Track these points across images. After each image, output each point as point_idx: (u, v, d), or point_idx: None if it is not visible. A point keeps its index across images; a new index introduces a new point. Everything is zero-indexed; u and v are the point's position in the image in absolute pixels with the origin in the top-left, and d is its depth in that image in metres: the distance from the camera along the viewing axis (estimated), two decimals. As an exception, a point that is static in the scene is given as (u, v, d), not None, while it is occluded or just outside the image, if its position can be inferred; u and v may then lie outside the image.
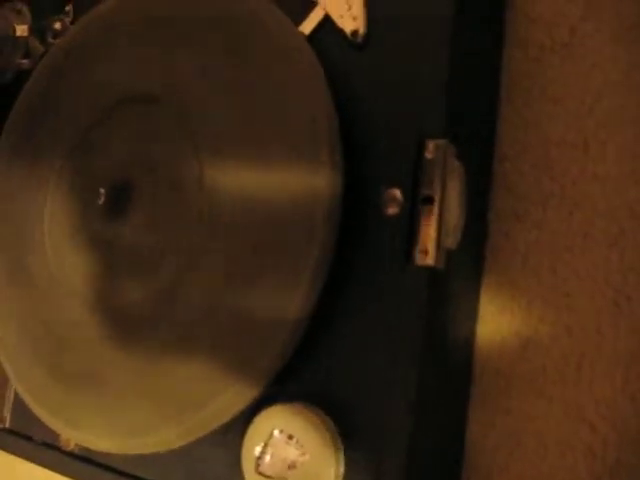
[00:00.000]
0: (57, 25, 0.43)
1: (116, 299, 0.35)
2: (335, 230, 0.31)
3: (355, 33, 0.34)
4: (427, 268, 0.30)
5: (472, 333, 0.34)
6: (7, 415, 0.41)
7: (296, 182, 0.31)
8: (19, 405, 0.40)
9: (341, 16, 0.34)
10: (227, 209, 0.33)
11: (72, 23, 0.43)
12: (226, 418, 0.32)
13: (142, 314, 0.34)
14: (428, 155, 0.30)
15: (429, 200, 0.30)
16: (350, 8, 0.34)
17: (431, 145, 0.30)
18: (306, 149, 0.31)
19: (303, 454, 0.30)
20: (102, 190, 0.34)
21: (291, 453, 0.30)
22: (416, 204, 0.30)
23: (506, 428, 0.34)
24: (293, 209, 0.31)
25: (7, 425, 0.41)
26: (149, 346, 0.34)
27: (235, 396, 0.31)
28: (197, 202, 0.33)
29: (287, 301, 0.30)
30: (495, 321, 0.35)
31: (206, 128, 0.34)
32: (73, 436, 0.36)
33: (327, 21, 0.35)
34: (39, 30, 0.44)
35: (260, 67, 0.33)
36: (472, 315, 0.34)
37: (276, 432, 0.31)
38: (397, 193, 0.31)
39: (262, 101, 0.33)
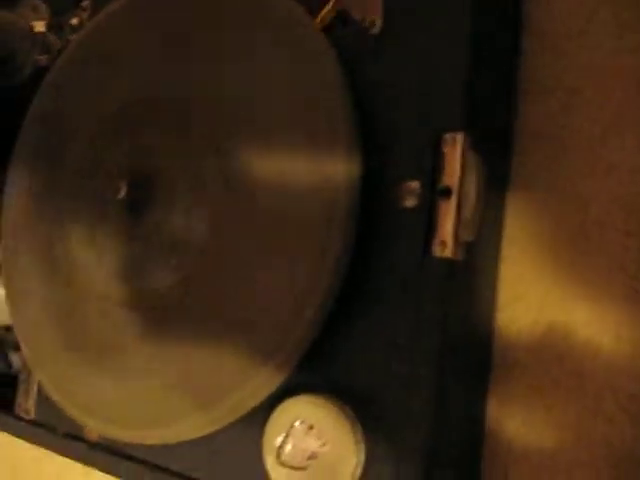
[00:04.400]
0: (74, 20, 0.43)
1: (140, 286, 0.35)
2: (354, 222, 0.31)
3: (372, 24, 0.34)
4: (445, 260, 0.30)
5: (491, 322, 0.34)
6: (31, 407, 0.41)
7: (315, 174, 0.31)
8: (43, 397, 0.40)
9: (357, 7, 0.34)
10: (247, 199, 0.33)
11: (90, 18, 0.43)
12: (253, 404, 0.32)
13: (166, 301, 0.35)
14: (445, 147, 0.31)
15: (447, 192, 0.30)
16: None
17: (448, 137, 0.30)
18: (324, 141, 0.31)
19: (324, 444, 0.31)
20: (122, 184, 0.35)
21: (312, 444, 0.31)
22: (434, 196, 0.30)
23: (524, 419, 0.34)
24: (312, 200, 0.31)
25: (32, 416, 0.41)
26: (173, 334, 0.34)
27: (262, 381, 0.31)
28: (218, 193, 0.34)
29: (311, 285, 0.31)
30: (513, 310, 0.35)
31: (224, 120, 0.34)
32: (96, 426, 0.37)
33: (344, 12, 0.35)
34: (57, 26, 0.44)
35: (278, 59, 0.34)
36: (491, 304, 0.34)
37: (297, 423, 0.31)
38: (415, 185, 0.31)
39: (279, 92, 0.33)
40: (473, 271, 0.32)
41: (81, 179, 0.38)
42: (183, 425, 0.33)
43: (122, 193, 0.35)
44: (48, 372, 0.38)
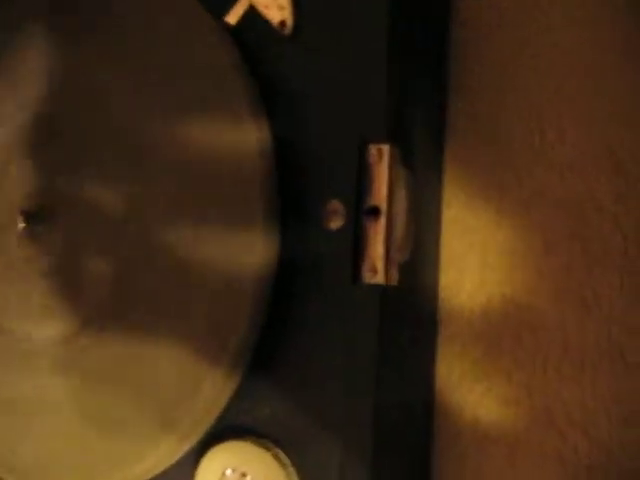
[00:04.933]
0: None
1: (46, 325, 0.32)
2: (275, 247, 0.28)
3: (283, 24, 0.30)
4: (377, 286, 0.27)
5: (433, 343, 0.32)
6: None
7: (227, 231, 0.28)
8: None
9: (267, 6, 0.31)
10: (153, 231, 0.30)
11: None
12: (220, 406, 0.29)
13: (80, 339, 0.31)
14: (370, 161, 0.28)
15: (375, 211, 0.28)
16: (277, -3, 0.31)
17: (373, 150, 0.28)
18: (236, 160, 0.28)
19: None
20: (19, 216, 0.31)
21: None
22: (360, 216, 0.28)
23: (474, 436, 0.32)
24: (226, 264, 0.28)
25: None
26: (101, 361, 0.31)
27: (216, 386, 0.28)
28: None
29: (233, 319, 0.28)
30: (457, 325, 0.33)
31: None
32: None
33: (254, 12, 0.32)
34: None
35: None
36: (433, 324, 0.32)
37: (228, 472, 0.29)
38: (339, 205, 0.28)
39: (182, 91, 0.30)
40: (410, 291, 0.30)
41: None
42: (158, 450, 0.29)
43: (20, 224, 0.31)
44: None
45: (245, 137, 0.28)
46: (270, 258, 0.28)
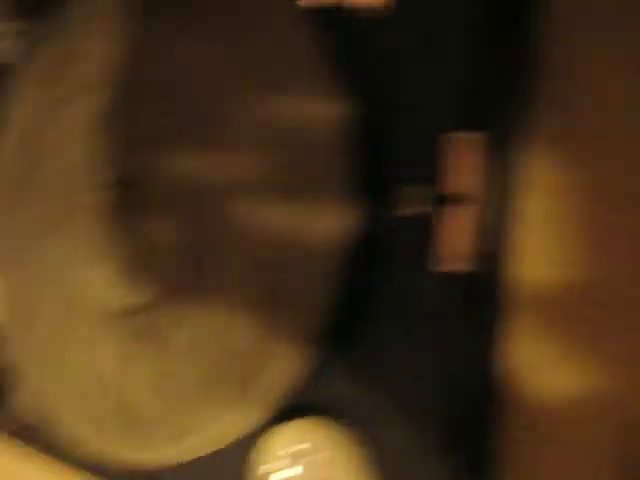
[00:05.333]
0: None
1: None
2: (353, 225, 0.28)
3: (375, 6, 0.30)
4: (455, 273, 0.27)
5: (506, 329, 0.31)
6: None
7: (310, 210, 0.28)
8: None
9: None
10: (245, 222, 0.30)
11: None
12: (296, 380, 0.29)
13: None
14: (455, 148, 0.27)
15: (457, 199, 0.27)
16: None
17: (458, 137, 0.27)
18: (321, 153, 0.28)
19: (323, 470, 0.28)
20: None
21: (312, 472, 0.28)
22: (442, 203, 0.27)
23: (545, 421, 0.31)
24: (308, 236, 0.28)
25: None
26: (177, 330, 0.31)
27: (294, 360, 0.29)
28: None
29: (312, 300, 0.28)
30: (531, 312, 0.31)
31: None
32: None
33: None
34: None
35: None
36: (500, 319, 0.31)
37: (299, 447, 0.28)
38: (422, 190, 0.28)
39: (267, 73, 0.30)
40: (487, 277, 0.29)
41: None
42: (240, 416, 0.29)
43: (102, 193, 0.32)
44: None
45: (328, 112, 0.28)
46: (349, 234, 0.28)
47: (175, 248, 0.31)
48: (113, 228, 0.33)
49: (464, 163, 0.27)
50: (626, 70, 0.31)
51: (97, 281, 0.34)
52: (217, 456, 0.30)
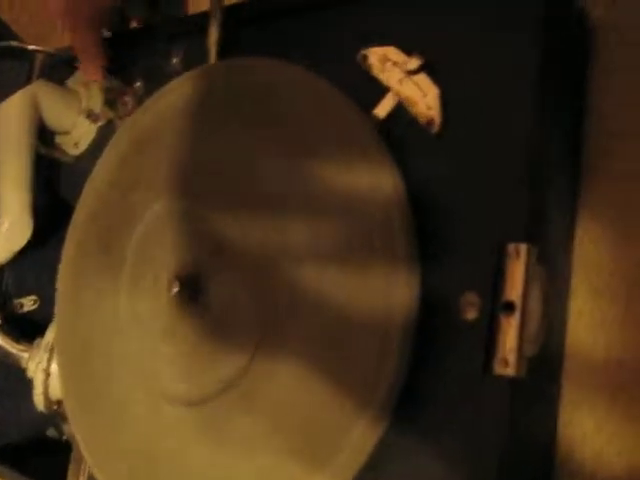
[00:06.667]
0: (127, 99, 0.43)
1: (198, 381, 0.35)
2: (411, 338, 0.30)
3: (431, 122, 0.33)
4: (507, 378, 0.29)
5: (553, 435, 0.33)
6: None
7: (371, 287, 0.31)
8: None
9: (415, 103, 0.33)
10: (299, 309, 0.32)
11: (140, 100, 0.43)
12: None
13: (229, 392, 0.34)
14: (509, 259, 0.29)
15: (510, 307, 0.29)
16: (425, 95, 0.33)
17: (512, 248, 0.29)
18: (381, 252, 0.31)
19: None
20: (174, 280, 0.34)
21: None
22: (496, 310, 0.29)
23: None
24: (369, 315, 0.30)
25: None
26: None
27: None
28: (272, 291, 0.33)
29: (364, 400, 0.30)
30: (578, 418, 0.33)
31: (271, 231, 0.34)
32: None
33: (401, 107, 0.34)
34: (109, 102, 0.44)
35: (333, 166, 0.33)
36: (553, 417, 0.33)
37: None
38: (475, 298, 0.30)
39: (333, 196, 0.33)
40: (535, 383, 0.31)
41: (132, 271, 0.38)
42: None
43: (174, 289, 0.34)
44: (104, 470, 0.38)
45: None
46: (413, 307, 0.30)
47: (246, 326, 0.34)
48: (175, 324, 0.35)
49: (517, 273, 0.29)
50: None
51: (162, 372, 0.36)
52: None
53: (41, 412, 0.44)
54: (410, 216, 0.31)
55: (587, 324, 0.34)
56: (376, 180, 0.31)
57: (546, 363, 0.31)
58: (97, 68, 0.44)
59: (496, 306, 0.29)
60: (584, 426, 0.33)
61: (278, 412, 0.32)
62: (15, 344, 0.45)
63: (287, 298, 0.33)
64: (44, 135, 0.46)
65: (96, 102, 0.44)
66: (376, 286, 0.31)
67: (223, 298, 0.35)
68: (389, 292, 0.30)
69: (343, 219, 0.32)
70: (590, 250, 0.35)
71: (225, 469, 0.33)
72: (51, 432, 0.48)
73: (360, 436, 0.30)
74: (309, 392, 0.31)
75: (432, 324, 0.30)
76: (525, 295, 0.29)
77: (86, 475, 0.41)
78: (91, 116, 0.43)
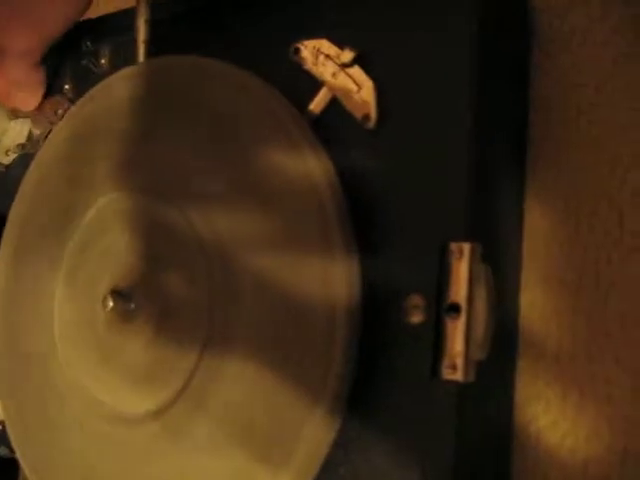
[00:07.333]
0: (57, 106, 0.41)
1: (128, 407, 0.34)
2: (356, 329, 0.29)
3: (366, 117, 0.31)
4: (455, 382, 0.28)
5: (508, 434, 0.32)
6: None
7: (310, 277, 0.29)
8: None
9: (350, 99, 0.32)
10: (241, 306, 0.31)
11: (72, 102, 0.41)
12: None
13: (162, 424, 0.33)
14: (452, 259, 0.28)
15: (455, 308, 0.28)
16: (360, 89, 0.32)
17: (454, 247, 0.28)
18: (317, 239, 0.29)
19: None
20: (108, 295, 0.33)
21: None
22: (441, 313, 0.28)
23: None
24: (311, 306, 0.29)
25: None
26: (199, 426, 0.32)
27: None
28: (209, 302, 0.32)
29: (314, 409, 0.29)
30: (532, 414, 0.33)
31: (210, 226, 0.32)
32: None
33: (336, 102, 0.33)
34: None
35: (265, 161, 0.32)
36: (507, 415, 0.32)
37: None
38: (420, 300, 0.29)
39: (267, 188, 0.31)
40: (485, 390, 0.30)
41: (66, 280, 0.36)
42: None
43: (109, 304, 0.33)
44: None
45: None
46: (355, 296, 0.29)
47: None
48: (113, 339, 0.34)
49: (461, 273, 0.28)
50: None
51: (110, 390, 0.34)
52: None
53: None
54: (344, 203, 0.30)
55: (539, 315, 0.33)
56: (307, 169, 0.30)
57: (498, 361, 0.30)
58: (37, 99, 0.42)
59: (441, 308, 0.28)
60: (539, 422, 0.32)
61: (230, 413, 0.31)
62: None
63: (230, 294, 0.31)
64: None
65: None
66: (315, 276, 0.29)
67: (163, 303, 0.33)
68: (328, 281, 0.29)
69: (279, 210, 0.31)
70: (539, 241, 0.34)
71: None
72: (2, 450, 0.47)
73: (315, 430, 0.29)
74: (258, 390, 0.30)
75: (379, 327, 0.29)
76: (470, 296, 0.28)
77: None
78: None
